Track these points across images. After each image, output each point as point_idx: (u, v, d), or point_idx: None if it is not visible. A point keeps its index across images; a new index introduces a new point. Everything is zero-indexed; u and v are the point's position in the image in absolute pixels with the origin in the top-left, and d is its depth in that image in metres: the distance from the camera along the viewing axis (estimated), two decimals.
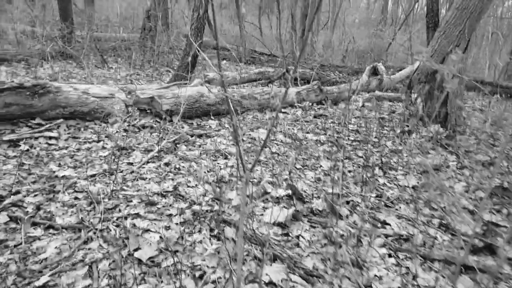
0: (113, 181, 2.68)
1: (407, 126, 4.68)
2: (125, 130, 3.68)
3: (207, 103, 4.39)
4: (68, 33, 7.57)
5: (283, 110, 5.18)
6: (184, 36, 11.76)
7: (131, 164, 3.04)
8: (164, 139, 3.48)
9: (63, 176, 2.73)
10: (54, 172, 2.79)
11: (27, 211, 2.27)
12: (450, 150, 4.09)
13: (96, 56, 7.48)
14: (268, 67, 9.72)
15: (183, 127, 3.97)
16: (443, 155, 3.89)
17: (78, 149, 3.23)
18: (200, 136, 3.76)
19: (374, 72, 9.59)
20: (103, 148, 3.30)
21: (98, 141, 3.40)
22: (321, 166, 3.37)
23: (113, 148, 3.25)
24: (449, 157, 3.86)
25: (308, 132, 4.28)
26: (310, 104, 5.40)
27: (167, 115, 4.10)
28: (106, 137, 3.50)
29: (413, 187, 3.24)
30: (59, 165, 2.92)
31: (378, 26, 20.15)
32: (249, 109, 4.85)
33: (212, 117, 4.47)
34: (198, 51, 5.36)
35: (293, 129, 4.40)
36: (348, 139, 4.20)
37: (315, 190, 2.92)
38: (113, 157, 3.10)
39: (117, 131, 3.63)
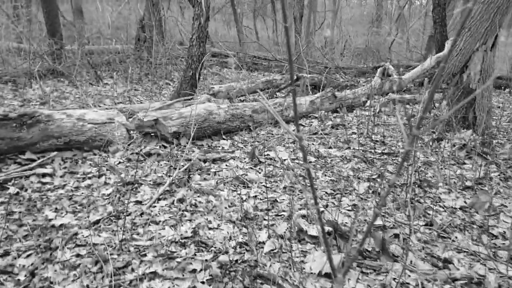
0: (121, 228, 2.26)
1: (434, 133, 4.28)
2: (129, 160, 3.26)
3: (217, 121, 3.97)
4: (57, 49, 7.13)
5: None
6: (180, 44, 11.35)
7: (140, 203, 2.61)
8: (174, 168, 3.06)
9: (61, 225, 2.30)
10: (50, 220, 2.36)
11: (19, 280, 1.85)
12: (486, 157, 3.70)
13: (89, 72, 7.05)
14: (272, 72, 9.32)
15: (193, 151, 3.55)
16: (482, 165, 3.48)
17: (77, 188, 2.80)
18: (214, 161, 3.34)
19: (383, 73, 9.22)
20: (106, 184, 2.87)
21: (99, 176, 2.97)
22: (354, 189, 2.95)
23: (117, 183, 2.82)
24: (487, 167, 3.46)
25: (330, 147, 3.86)
26: (326, 113, 4.99)
27: (174, 138, 3.67)
28: (108, 169, 3.07)
29: (460, 208, 2.83)
30: (56, 210, 2.49)
31: (374, 23, 19.83)
32: (261, 124, 4.44)
33: (223, 136, 4.05)
34: (202, 64, 4.94)
35: (313, 144, 3.99)
36: (375, 152, 3.79)
37: (355, 221, 2.50)
38: (118, 195, 2.67)
39: (119, 162, 3.20)
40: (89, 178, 2.93)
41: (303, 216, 2.50)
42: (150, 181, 2.91)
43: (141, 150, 3.38)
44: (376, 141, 4.12)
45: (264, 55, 10.34)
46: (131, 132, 3.67)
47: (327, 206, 2.67)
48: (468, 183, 3.11)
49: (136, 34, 8.59)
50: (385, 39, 15.56)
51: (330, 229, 2.31)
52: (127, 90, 6.38)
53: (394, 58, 12.16)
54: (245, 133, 4.25)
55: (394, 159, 3.64)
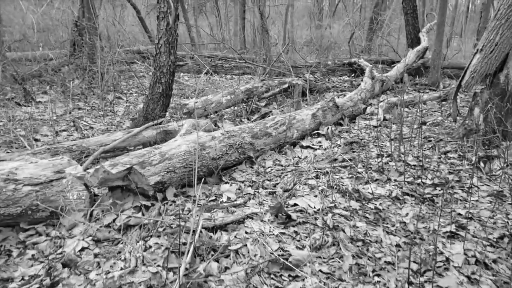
0: None
1: (486, 150, 3.47)
2: (97, 241, 2.08)
3: (212, 157, 2.88)
4: None
5: (303, 143, 3.79)
6: (120, 47, 9.87)
7: None
8: (172, 252, 1.95)
9: None
10: None
11: None
12: None
13: (14, 88, 5.54)
14: (235, 75, 8.24)
15: (189, 210, 2.44)
16: None
17: None
18: (224, 228, 2.26)
19: (353, 70, 8.51)
20: None
21: (52, 284, 1.78)
22: (448, 261, 2.04)
23: None
24: None
25: (367, 182, 2.93)
26: (333, 128, 4.06)
27: (157, 191, 2.54)
28: (64, 266, 1.89)
29: None
30: None
31: (316, 16, 19.38)
32: (263, 151, 3.41)
33: (222, 177, 2.97)
34: (173, 77, 3.78)
35: (341, 178, 3.03)
36: (423, 183, 2.93)
37: None
38: None
39: (81, 249, 2.02)
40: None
41: None
42: (140, 285, 1.78)
43: (114, 221, 2.21)
44: (414, 165, 3.26)
45: (223, 55, 9.21)
46: (94, 188, 2.47)
47: None
48: None
49: (71, 39, 7.09)
50: (331, 33, 15.06)
51: None
52: (69, 110, 5.00)
53: (353, 52, 11.58)
54: (246, 167, 3.19)
55: (452, 191, 2.79)
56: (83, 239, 2.08)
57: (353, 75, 8.38)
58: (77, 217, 2.22)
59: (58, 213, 2.16)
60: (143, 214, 2.36)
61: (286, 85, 5.09)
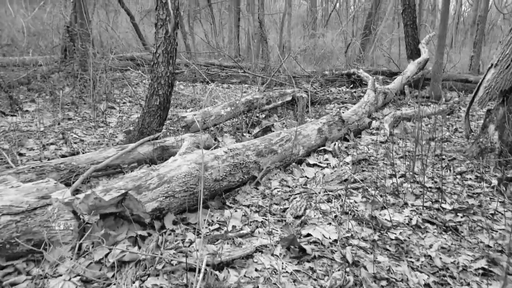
0: None
1: (504, 171, 3.27)
2: (85, 282, 1.81)
3: (214, 178, 2.63)
4: None
5: (309, 161, 3.56)
6: (111, 52, 9.59)
7: None
8: None
9: None
10: None
11: None
12: None
13: (0, 96, 5.23)
14: (232, 83, 8.01)
15: (189, 243, 2.17)
16: None
17: None
18: (231, 264, 2.00)
19: (352, 81, 8.34)
20: None
21: None
22: None
23: None
24: None
25: (384, 207, 2.70)
26: (339, 144, 3.84)
27: (154, 219, 2.27)
28: None
29: None
30: None
31: (310, 25, 19.29)
32: (268, 170, 3.17)
33: (225, 201, 2.71)
34: (172, 88, 3.52)
35: (351, 199, 2.80)
36: (442, 208, 2.71)
37: None
38: None
39: None
40: None
41: None
42: None
43: (106, 256, 1.94)
44: (430, 187, 3.04)
45: (219, 63, 8.98)
46: (84, 216, 2.20)
47: None
48: None
49: (63, 44, 6.80)
50: (324, 42, 14.95)
51: None
52: (58, 120, 4.71)
53: (351, 63, 11.44)
54: (251, 188, 2.94)
55: (475, 219, 2.57)
56: (69, 279, 1.81)
57: (352, 86, 8.20)
58: (63, 251, 1.95)
59: (41, 248, 1.88)
60: (139, 247, 2.10)
61: (289, 98, 4.86)
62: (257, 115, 5.04)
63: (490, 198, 2.85)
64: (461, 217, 2.60)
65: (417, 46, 8.21)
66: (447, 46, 19.70)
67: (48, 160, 3.30)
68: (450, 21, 23.13)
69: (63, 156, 3.51)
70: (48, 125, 4.52)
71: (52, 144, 3.90)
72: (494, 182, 3.04)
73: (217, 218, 2.50)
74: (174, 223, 2.34)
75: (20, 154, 3.55)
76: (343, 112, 4.34)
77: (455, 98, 6.68)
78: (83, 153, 3.56)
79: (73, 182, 2.76)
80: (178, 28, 3.44)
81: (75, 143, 3.98)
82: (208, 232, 2.31)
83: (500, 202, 2.81)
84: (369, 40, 14.46)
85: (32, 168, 2.75)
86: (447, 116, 5.63)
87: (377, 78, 5.96)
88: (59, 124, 4.59)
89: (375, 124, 4.75)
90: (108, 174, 3.15)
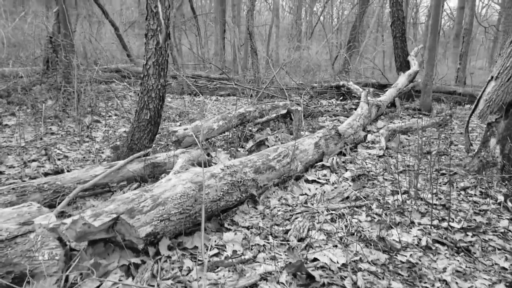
0: None
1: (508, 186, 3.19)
2: None
3: (211, 199, 2.46)
4: None
5: (308, 177, 3.42)
6: (96, 64, 9.37)
7: None
8: None
9: None
10: None
11: None
12: None
13: None
14: (221, 96, 7.86)
15: (188, 271, 1.99)
16: None
17: None
18: None
19: (341, 93, 8.30)
20: None
21: None
22: None
23: None
24: None
25: (391, 226, 2.56)
26: (337, 160, 3.72)
27: (148, 245, 2.09)
28: None
29: None
30: None
31: (295, 37, 19.38)
32: (266, 187, 3.01)
33: (223, 222, 2.54)
34: (163, 102, 3.35)
35: (355, 218, 2.66)
36: (451, 227, 2.59)
37: None
38: None
39: None
40: None
41: None
42: None
43: None
44: (435, 204, 2.93)
45: (206, 75, 8.84)
46: (71, 243, 2.00)
47: None
48: None
49: (44, 55, 6.56)
50: (309, 54, 15.01)
51: None
52: (41, 135, 4.47)
53: (339, 75, 11.45)
54: (249, 208, 2.78)
55: (486, 238, 2.47)
56: None
57: (341, 98, 8.16)
58: (47, 285, 1.74)
59: (24, 283, 1.67)
60: (132, 277, 1.90)
61: (284, 111, 4.74)
62: (250, 128, 4.89)
63: (498, 216, 2.75)
64: (471, 237, 2.48)
65: (406, 58, 8.24)
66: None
67: (30, 179, 3.08)
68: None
69: (46, 174, 3.28)
70: (29, 140, 4.28)
71: (34, 160, 3.66)
72: (500, 198, 2.95)
73: (215, 241, 2.33)
74: (170, 248, 2.15)
75: None
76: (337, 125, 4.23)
77: (446, 110, 6.68)
78: (68, 170, 3.34)
79: (58, 204, 2.54)
80: (170, 39, 3.29)
81: (59, 159, 3.76)
82: (206, 258, 2.13)
83: (508, 219, 2.72)
84: (355, 52, 14.58)
85: (13, 189, 2.52)
86: (441, 129, 5.59)
87: (368, 91, 5.90)
88: (41, 139, 4.35)
89: (370, 137, 4.66)
90: (95, 194, 2.94)
